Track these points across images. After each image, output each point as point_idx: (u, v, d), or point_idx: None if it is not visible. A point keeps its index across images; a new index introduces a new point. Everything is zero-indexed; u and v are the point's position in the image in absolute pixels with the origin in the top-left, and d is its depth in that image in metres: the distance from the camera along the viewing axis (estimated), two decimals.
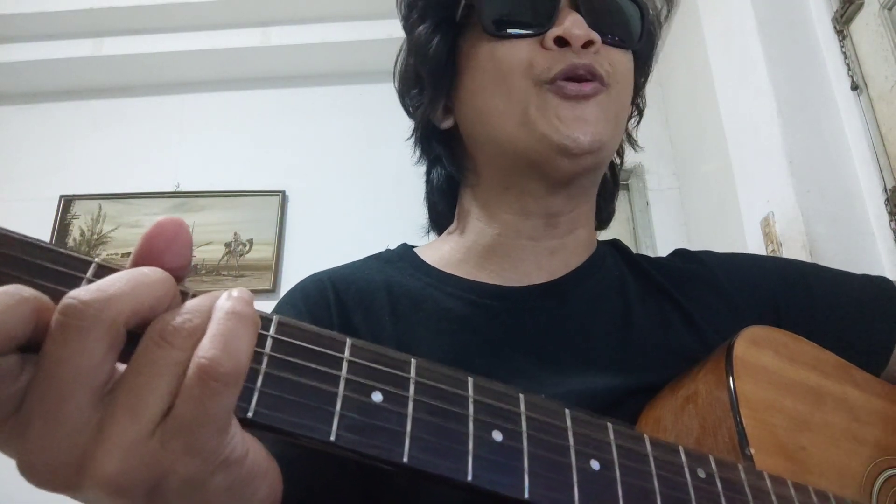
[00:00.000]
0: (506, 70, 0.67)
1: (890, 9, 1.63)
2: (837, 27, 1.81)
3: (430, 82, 0.74)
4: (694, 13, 2.38)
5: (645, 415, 0.61)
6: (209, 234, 2.73)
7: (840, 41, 1.80)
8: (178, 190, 2.82)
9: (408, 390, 0.36)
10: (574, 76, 0.65)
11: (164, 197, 2.81)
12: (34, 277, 0.31)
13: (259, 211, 2.76)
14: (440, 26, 0.73)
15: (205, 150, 2.92)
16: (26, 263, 0.31)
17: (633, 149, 0.85)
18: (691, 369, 0.62)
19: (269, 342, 0.34)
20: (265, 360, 0.34)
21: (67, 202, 2.78)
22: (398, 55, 0.81)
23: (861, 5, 1.71)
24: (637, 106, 0.82)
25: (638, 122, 0.84)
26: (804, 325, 0.68)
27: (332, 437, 0.33)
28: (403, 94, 0.81)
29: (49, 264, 0.32)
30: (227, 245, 2.71)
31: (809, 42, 1.88)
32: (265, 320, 0.35)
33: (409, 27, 0.77)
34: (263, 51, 2.90)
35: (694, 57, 2.42)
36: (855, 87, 1.74)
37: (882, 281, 0.79)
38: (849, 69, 1.77)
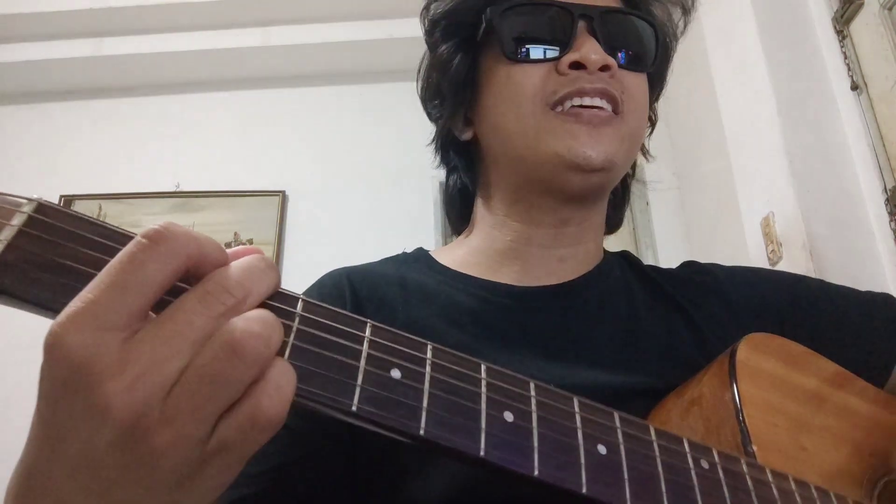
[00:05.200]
0: (518, 93, 0.70)
1: (890, 9, 1.64)
2: (837, 27, 1.81)
3: (451, 97, 0.77)
4: (694, 13, 2.38)
5: (651, 417, 0.62)
6: (209, 234, 2.66)
7: (840, 41, 1.80)
8: (178, 190, 2.82)
9: (424, 369, 0.38)
10: (587, 97, 0.67)
11: (164, 197, 2.81)
12: (86, 248, 0.34)
13: (259, 211, 2.77)
14: (462, 45, 0.76)
15: (205, 150, 2.92)
16: (78, 235, 0.35)
17: (646, 159, 0.87)
18: (696, 375, 0.63)
19: (296, 319, 0.36)
20: (293, 333, 0.36)
21: (67, 202, 2.78)
22: (420, 64, 0.84)
23: (861, 5, 1.72)
24: (650, 119, 0.84)
25: (650, 134, 0.86)
26: (808, 340, 0.69)
27: (354, 408, 0.35)
28: (426, 102, 0.84)
29: (98, 237, 0.35)
30: (228, 245, 2.70)
31: (809, 42, 1.88)
32: (292, 298, 0.37)
33: (431, 43, 0.80)
34: (263, 51, 2.91)
35: (694, 57, 2.42)
36: (855, 87, 1.75)
37: (886, 297, 0.80)
38: (849, 69, 1.77)
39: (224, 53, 2.92)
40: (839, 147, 1.77)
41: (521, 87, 0.70)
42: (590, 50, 0.67)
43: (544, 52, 0.70)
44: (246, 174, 2.85)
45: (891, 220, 1.62)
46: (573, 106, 0.67)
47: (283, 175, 2.84)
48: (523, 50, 0.70)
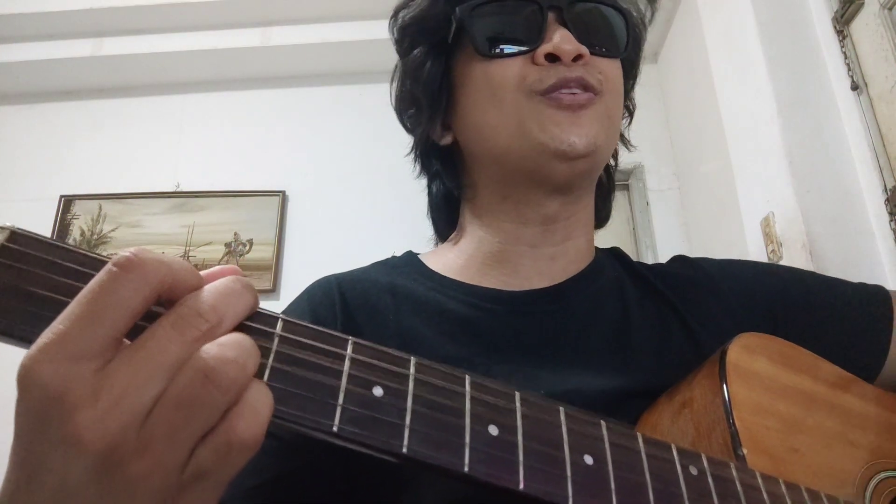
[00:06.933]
0: (498, 86, 0.70)
1: (890, 9, 1.63)
2: (837, 27, 1.81)
3: (427, 103, 0.77)
4: (694, 13, 2.38)
5: (643, 420, 0.62)
6: (209, 234, 2.73)
7: (840, 41, 1.80)
8: (178, 190, 2.83)
9: (407, 386, 0.37)
10: (566, 88, 0.68)
11: (164, 197, 2.81)
12: (59, 275, 0.34)
13: (259, 211, 2.77)
14: (433, 49, 0.76)
15: (205, 150, 2.92)
16: (51, 263, 0.34)
17: (627, 149, 0.87)
18: (687, 376, 0.63)
19: (275, 339, 0.36)
20: (272, 355, 0.35)
21: (67, 202, 2.79)
22: (392, 76, 0.83)
23: (861, 5, 1.71)
24: (627, 108, 0.84)
25: (629, 123, 0.86)
26: (800, 332, 0.68)
27: (335, 429, 0.34)
28: (401, 114, 0.84)
29: (71, 264, 0.35)
30: (228, 245, 2.71)
31: (809, 42, 1.88)
32: (271, 318, 0.37)
33: (402, 52, 0.80)
34: (263, 51, 2.91)
35: (694, 57, 2.42)
36: (855, 87, 1.74)
37: (877, 289, 0.80)
38: (849, 69, 1.77)
39: (224, 53, 2.92)
40: (839, 147, 1.77)
41: (500, 81, 0.70)
42: (562, 40, 0.68)
43: (518, 46, 0.70)
44: (246, 174, 2.85)
45: (891, 220, 1.62)
46: (553, 98, 0.68)
47: (283, 175, 2.84)
48: (497, 46, 0.71)
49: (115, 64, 2.93)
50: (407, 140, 0.86)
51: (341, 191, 2.82)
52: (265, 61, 2.97)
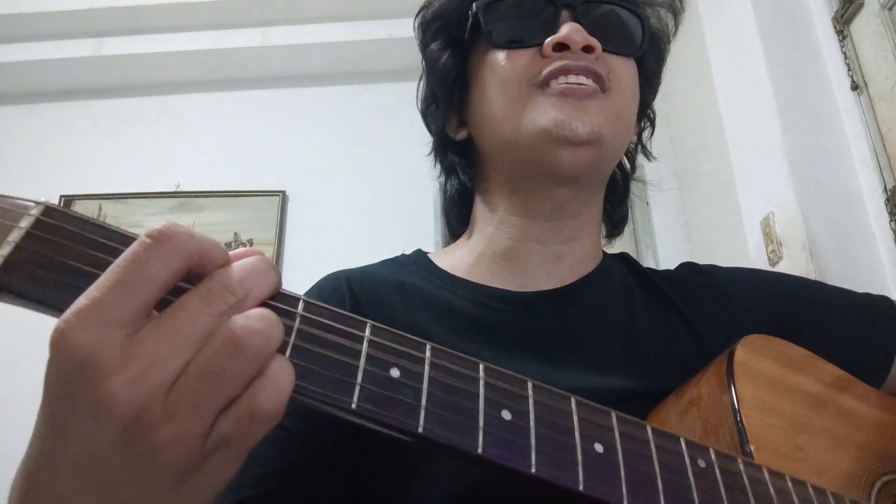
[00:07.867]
0: (506, 77, 0.71)
1: (890, 9, 1.64)
2: (837, 27, 1.81)
3: (441, 95, 0.79)
4: (694, 13, 2.38)
5: (650, 417, 0.63)
6: (209, 234, 2.65)
7: (840, 41, 1.80)
8: (178, 190, 2.82)
9: (423, 368, 0.38)
10: (572, 74, 0.69)
11: (164, 197, 2.81)
12: (91, 249, 0.36)
13: (259, 211, 2.77)
14: (450, 44, 0.78)
15: (205, 150, 2.92)
16: (84, 237, 0.36)
17: (648, 158, 0.87)
18: (694, 376, 0.64)
19: (297, 318, 0.37)
20: (294, 333, 0.37)
21: (67, 202, 2.78)
22: (420, 79, 0.85)
23: (861, 5, 1.72)
24: (648, 117, 0.84)
25: (651, 135, 0.86)
26: (806, 341, 0.69)
27: (354, 406, 0.35)
28: (425, 114, 0.86)
29: (103, 239, 0.36)
30: (228, 245, 2.71)
31: (809, 42, 1.88)
32: (293, 299, 0.38)
33: (423, 47, 0.82)
34: (263, 51, 2.91)
35: (694, 57, 2.42)
36: (855, 87, 1.75)
37: (883, 300, 0.80)
38: (849, 69, 1.77)
39: (224, 53, 2.92)
40: (839, 147, 1.77)
41: (507, 73, 0.71)
42: (572, 31, 0.69)
43: (529, 39, 0.71)
44: (246, 174, 2.85)
45: (891, 220, 1.62)
46: (558, 86, 0.68)
47: (283, 175, 2.84)
48: (508, 39, 0.72)
49: (115, 64, 2.93)
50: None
51: (341, 191, 2.81)
52: (265, 61, 2.97)
